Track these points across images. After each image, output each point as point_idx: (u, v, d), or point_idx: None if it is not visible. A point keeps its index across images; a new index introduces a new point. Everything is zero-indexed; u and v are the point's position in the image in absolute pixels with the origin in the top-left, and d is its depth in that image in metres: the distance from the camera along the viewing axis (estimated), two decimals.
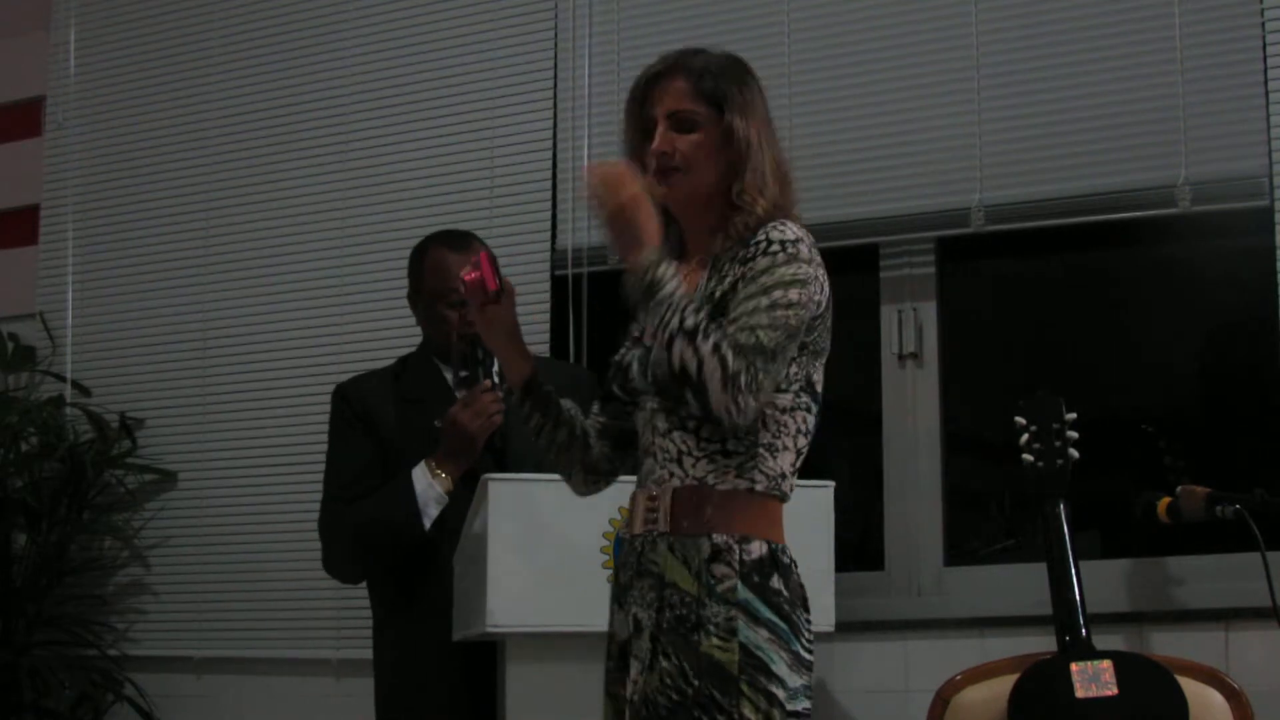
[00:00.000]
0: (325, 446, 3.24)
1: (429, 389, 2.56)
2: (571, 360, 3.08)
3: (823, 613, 2.33)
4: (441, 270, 2.57)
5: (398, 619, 2.56)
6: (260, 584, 3.35)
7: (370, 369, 2.78)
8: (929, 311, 2.97)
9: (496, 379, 2.46)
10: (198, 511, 3.44)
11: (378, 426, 2.57)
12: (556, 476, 2.16)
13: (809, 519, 2.36)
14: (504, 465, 2.52)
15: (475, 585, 2.33)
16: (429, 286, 2.60)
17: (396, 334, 3.23)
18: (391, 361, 2.72)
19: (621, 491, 2.29)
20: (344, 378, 3.25)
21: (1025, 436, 2.59)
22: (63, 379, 3.58)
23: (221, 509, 3.42)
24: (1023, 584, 2.73)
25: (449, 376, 2.56)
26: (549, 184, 3.19)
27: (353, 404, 2.62)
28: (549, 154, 3.20)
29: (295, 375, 3.37)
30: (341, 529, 2.57)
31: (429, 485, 2.47)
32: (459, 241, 2.62)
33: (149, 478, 3.47)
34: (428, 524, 2.48)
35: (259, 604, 3.35)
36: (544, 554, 2.30)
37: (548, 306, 3.14)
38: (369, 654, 3.16)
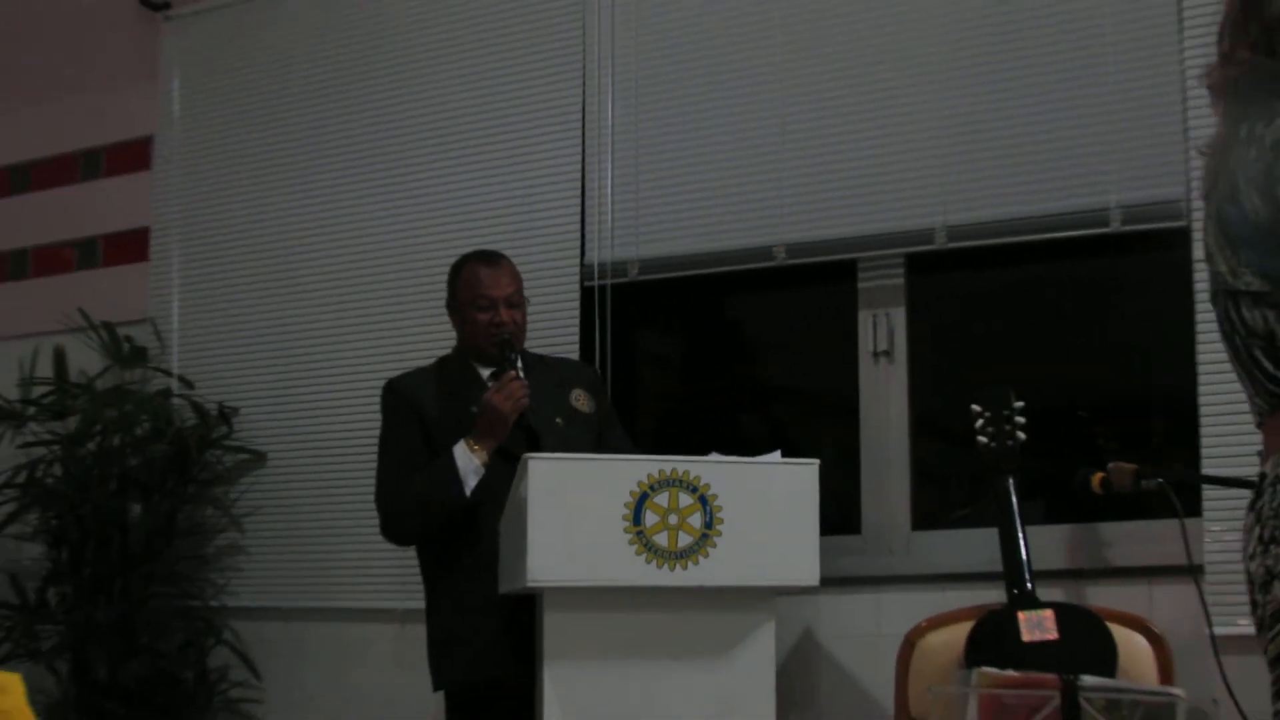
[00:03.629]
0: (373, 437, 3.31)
1: (465, 383, 2.60)
2: (598, 360, 3.10)
3: (809, 570, 2.37)
4: (473, 282, 2.65)
5: (447, 575, 2.59)
6: (335, 545, 3.36)
7: (418, 367, 2.83)
8: (899, 316, 2.97)
9: (520, 372, 2.53)
10: (283, 485, 3.46)
11: (423, 414, 2.62)
12: (586, 455, 2.19)
13: (797, 491, 2.39)
14: (535, 443, 2.55)
15: (518, 547, 2.35)
16: (463, 296, 2.66)
17: (445, 335, 3.28)
18: (432, 361, 2.77)
19: (637, 469, 2.34)
20: (402, 373, 3.33)
21: (980, 422, 2.60)
22: (170, 374, 3.60)
23: (303, 483, 3.43)
24: (978, 546, 2.73)
25: (481, 372, 2.62)
26: (578, 207, 3.19)
27: (401, 396, 2.66)
28: (578, 181, 3.20)
29: (362, 369, 3.37)
30: (398, 500, 2.61)
31: (468, 459, 2.52)
32: (490, 258, 2.69)
33: (243, 457, 3.49)
34: (468, 491, 2.53)
35: (334, 562, 3.36)
36: (576, 520, 2.32)
37: (577, 314, 3.15)
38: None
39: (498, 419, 2.51)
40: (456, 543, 2.56)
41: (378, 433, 3.32)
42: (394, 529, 2.64)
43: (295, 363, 3.49)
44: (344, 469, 3.38)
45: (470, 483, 2.52)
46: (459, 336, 2.71)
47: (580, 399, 2.67)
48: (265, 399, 3.51)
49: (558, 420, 2.61)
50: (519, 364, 2.56)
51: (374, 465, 3.31)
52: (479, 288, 2.63)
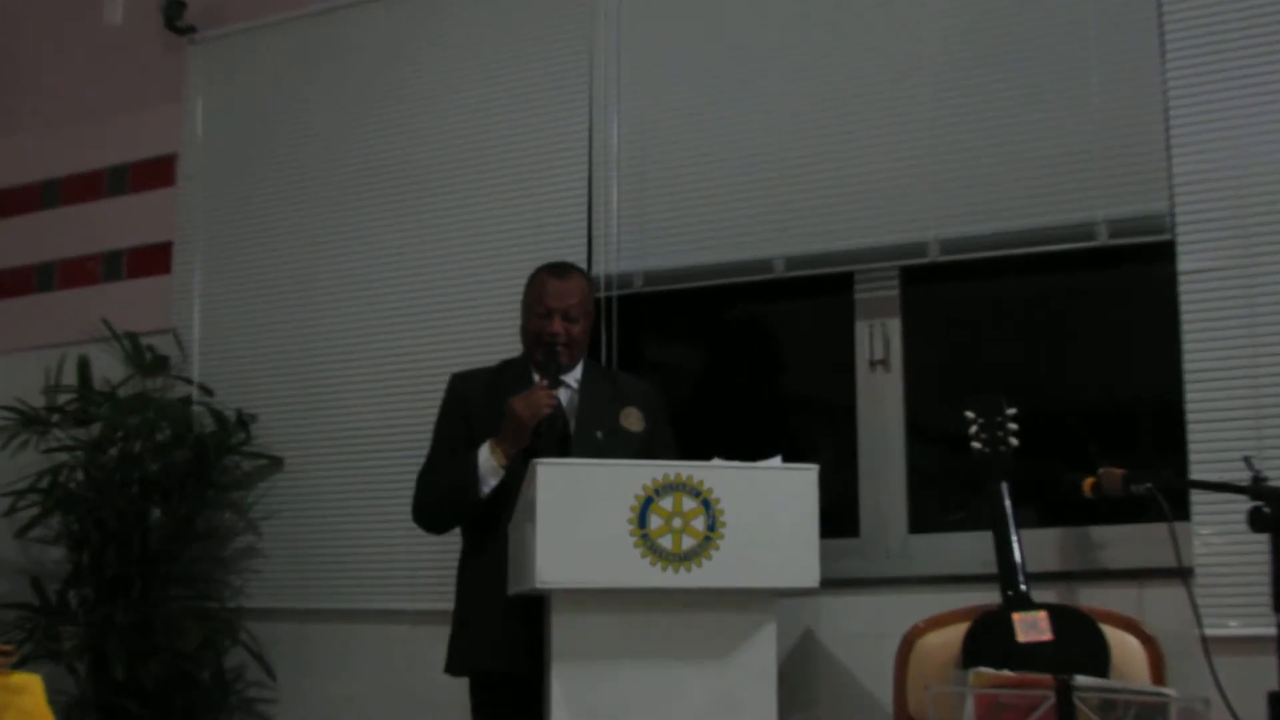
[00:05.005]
0: (402, 436, 3.30)
1: (517, 385, 2.59)
2: (604, 363, 3.08)
3: (809, 572, 2.34)
4: (538, 289, 2.66)
5: (471, 567, 2.61)
6: (349, 548, 3.34)
7: (442, 375, 2.82)
8: (895, 326, 2.97)
9: (554, 381, 2.53)
10: (300, 490, 3.44)
11: (470, 410, 2.62)
12: (594, 461, 2.15)
13: (797, 496, 2.37)
14: (567, 449, 2.54)
15: (527, 549, 2.33)
16: (527, 300, 2.68)
17: (455, 347, 3.25)
18: (494, 363, 2.77)
19: (642, 474, 2.31)
20: (412, 383, 3.30)
21: (974, 428, 2.59)
22: (190, 382, 3.58)
23: (319, 488, 3.42)
24: (973, 549, 2.72)
25: (535, 377, 2.61)
26: (585, 221, 3.18)
27: (454, 390, 2.69)
28: (585, 197, 3.19)
29: (377, 380, 3.37)
30: (424, 489, 2.64)
31: (488, 460, 2.52)
32: (560, 270, 2.69)
33: (261, 463, 3.47)
34: (485, 491, 2.51)
35: (348, 565, 3.34)
36: (582, 524, 2.30)
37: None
38: (439, 605, 3.18)
39: (517, 425, 2.50)
40: (480, 537, 2.56)
41: (396, 438, 3.30)
42: (418, 516, 2.67)
43: (312, 371, 3.48)
44: (358, 474, 3.37)
45: (489, 483, 2.52)
46: (521, 339, 2.71)
47: (631, 417, 2.65)
48: (283, 406, 3.50)
49: (597, 433, 2.59)
50: (556, 374, 2.57)
51: (389, 471, 3.31)
52: (541, 295, 2.64)
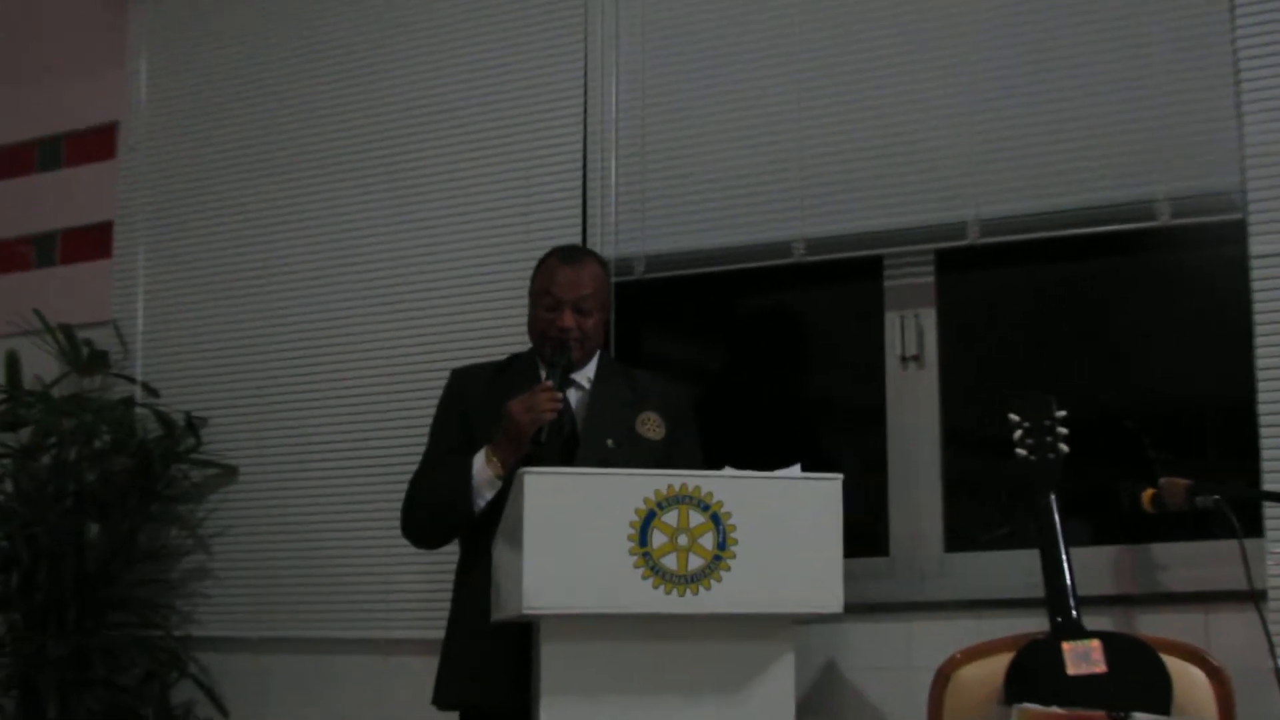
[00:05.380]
0: (372, 442, 3.30)
1: (523, 382, 2.58)
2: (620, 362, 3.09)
3: (832, 596, 2.33)
4: (547, 277, 2.64)
5: (460, 589, 2.61)
6: (313, 569, 3.34)
7: (431, 371, 2.83)
8: (929, 317, 2.96)
9: (561, 381, 2.52)
10: (257, 503, 3.44)
11: (468, 409, 2.62)
12: (589, 470, 2.14)
13: (818, 509, 2.36)
14: (572, 458, 2.54)
15: (512, 570, 2.32)
16: (535, 288, 2.67)
17: (442, 341, 3.25)
18: (500, 358, 2.77)
19: (643, 485, 2.31)
20: (393, 378, 3.30)
21: (1019, 433, 2.58)
22: (133, 381, 3.58)
23: (278, 501, 3.41)
24: (1017, 569, 2.72)
25: (542, 374, 2.59)
26: (578, 198, 3.18)
27: (453, 386, 2.68)
28: (579, 170, 3.19)
29: (345, 378, 3.37)
30: (412, 498, 2.63)
31: (483, 469, 2.51)
32: (572, 255, 2.68)
33: (212, 472, 3.47)
34: (479, 504, 2.50)
35: (311, 588, 3.34)
36: (575, 541, 2.28)
37: None
38: (413, 633, 3.19)
39: (515, 430, 2.49)
40: (474, 555, 2.56)
41: (365, 445, 3.28)
42: (405, 527, 2.66)
43: (271, 370, 3.47)
44: (324, 486, 3.37)
45: (484, 495, 2.51)
46: (527, 331, 2.71)
47: (649, 423, 2.63)
48: (238, 409, 3.50)
49: (608, 441, 2.58)
50: (564, 373, 2.56)
51: (357, 481, 3.30)
52: (550, 284, 2.62)
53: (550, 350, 2.59)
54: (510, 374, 2.66)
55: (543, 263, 2.69)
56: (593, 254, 2.75)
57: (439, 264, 3.31)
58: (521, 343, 2.79)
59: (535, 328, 2.65)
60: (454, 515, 2.53)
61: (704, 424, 2.77)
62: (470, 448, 2.55)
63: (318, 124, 3.50)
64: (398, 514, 2.69)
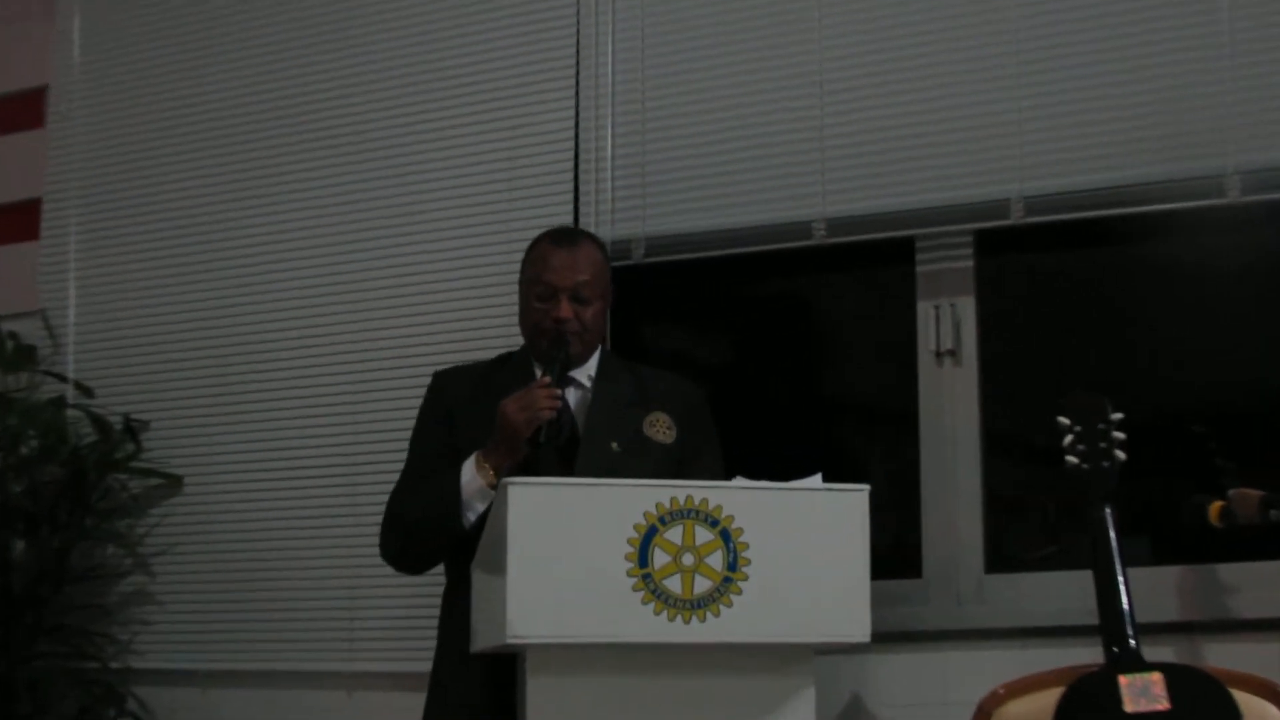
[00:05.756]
0: (338, 450, 3.30)
1: (516, 384, 2.57)
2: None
3: (858, 623, 2.33)
4: (539, 263, 2.63)
5: (449, 614, 2.59)
6: (270, 594, 3.34)
7: (400, 369, 2.82)
8: (967, 307, 2.96)
9: (560, 378, 2.52)
10: (205, 518, 3.44)
11: (454, 415, 2.62)
12: (581, 480, 2.13)
13: (842, 524, 2.35)
14: (569, 467, 2.53)
15: (494, 594, 2.32)
16: (525, 279, 2.66)
17: (422, 332, 3.26)
18: (490, 357, 2.76)
19: (643, 497, 2.30)
20: (361, 378, 3.31)
21: (1069, 437, 2.57)
22: (64, 379, 3.58)
23: (230, 515, 3.41)
24: (1067, 592, 2.72)
25: (538, 373, 2.59)
26: (571, 174, 3.18)
27: (436, 390, 2.68)
28: (570, 141, 3.19)
29: (309, 375, 3.37)
30: (392, 515, 2.62)
31: (473, 478, 2.50)
32: (565, 238, 2.67)
33: (154, 482, 3.47)
34: (471, 519, 2.49)
35: (268, 615, 3.34)
36: (565, 561, 2.28)
37: None
38: (382, 666, 3.19)
39: (509, 432, 2.48)
40: (462, 580, 2.54)
41: (332, 452, 3.28)
42: (385, 550, 2.65)
43: (222, 367, 3.48)
44: (282, 500, 3.37)
45: (475, 509, 2.50)
46: (519, 326, 2.71)
47: (658, 424, 2.62)
48: (183, 412, 3.50)
49: (613, 444, 2.58)
50: (563, 369, 2.56)
51: (321, 494, 3.30)
52: (543, 270, 2.61)
53: (546, 345, 2.59)
54: (502, 375, 2.66)
55: (533, 247, 2.69)
56: (589, 235, 2.76)
57: (413, 248, 3.32)
58: (508, 338, 2.79)
59: (528, 320, 2.64)
60: (442, 533, 2.52)
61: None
62: (458, 459, 2.55)
63: (276, 90, 3.50)
64: (366, 531, 2.69)
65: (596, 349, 2.67)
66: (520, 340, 2.71)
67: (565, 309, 2.58)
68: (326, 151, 3.43)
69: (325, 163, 3.43)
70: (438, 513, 2.51)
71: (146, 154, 3.62)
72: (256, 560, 3.37)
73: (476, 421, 2.55)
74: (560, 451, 2.54)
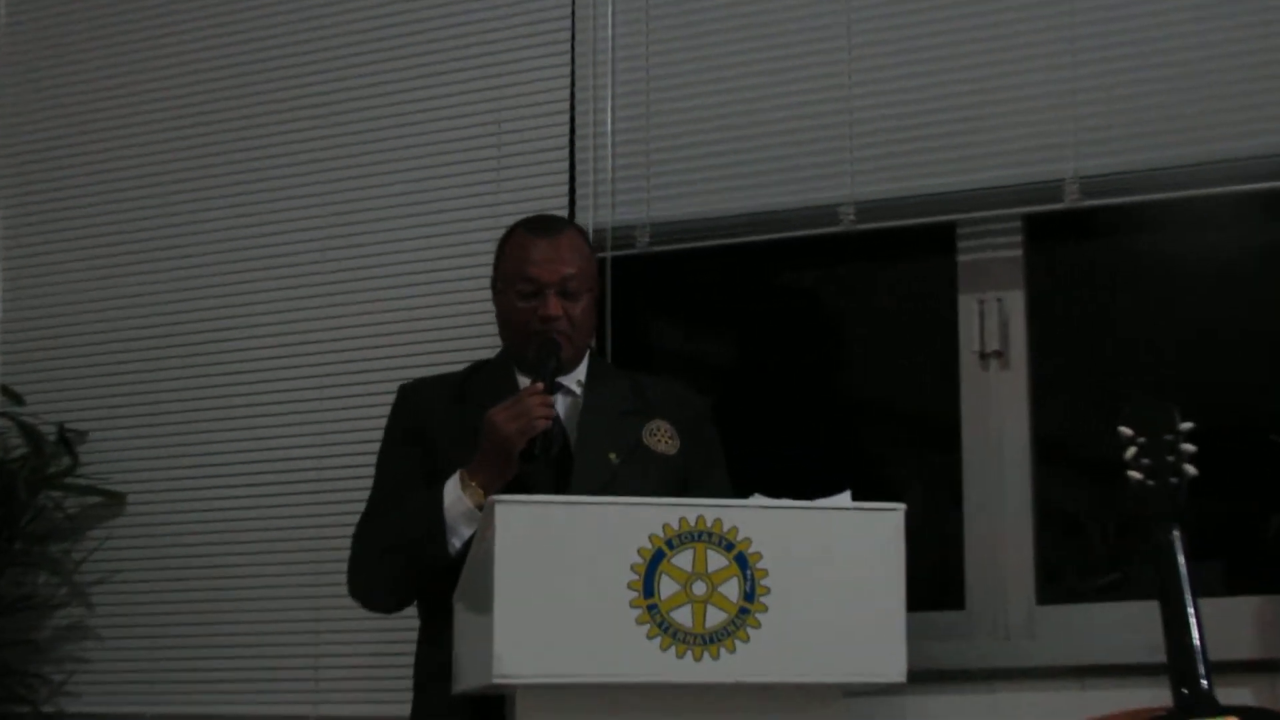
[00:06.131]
0: (302, 465, 3.29)
1: (497, 395, 2.57)
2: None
3: (892, 660, 2.31)
4: (519, 258, 2.63)
5: (432, 646, 2.58)
6: (225, 629, 3.35)
7: (369, 370, 2.82)
8: (1016, 301, 2.97)
9: (551, 384, 2.52)
10: (151, 541, 3.44)
11: (429, 433, 2.62)
12: (578, 499, 2.12)
13: (874, 548, 2.34)
14: (563, 483, 2.53)
15: (479, 627, 2.31)
16: (505, 274, 2.66)
17: (397, 331, 3.28)
18: (462, 366, 2.77)
19: (648, 517, 2.29)
20: (328, 384, 3.32)
21: (1132, 450, 2.56)
22: None
23: (180, 539, 3.41)
24: (1130, 625, 2.72)
25: (522, 382, 2.59)
26: (565, 150, 3.19)
27: (406, 406, 2.68)
28: (565, 116, 3.20)
29: (269, 380, 3.38)
30: (363, 547, 2.62)
31: (458, 499, 2.49)
32: (546, 226, 2.67)
33: (92, 501, 3.47)
34: (456, 544, 2.49)
35: (223, 652, 3.35)
36: (561, 590, 2.27)
37: None
38: (351, 710, 3.20)
39: (500, 447, 2.48)
40: (439, 617, 2.53)
41: (295, 467, 3.27)
42: (354, 586, 2.65)
43: (169, 370, 3.49)
44: (236, 522, 3.38)
45: (461, 532, 2.50)
46: (499, 328, 2.71)
47: (659, 433, 2.63)
48: (125, 421, 3.51)
49: (611, 456, 2.58)
50: (554, 375, 2.56)
51: (283, 515, 3.31)
52: (524, 265, 2.61)
53: (535, 350, 2.59)
54: (478, 385, 2.66)
55: (508, 240, 2.69)
56: (571, 223, 2.76)
57: (385, 234, 3.32)
58: (487, 343, 2.79)
59: (511, 323, 2.65)
60: (422, 562, 2.51)
61: (727, 438, 2.76)
62: (437, 478, 2.54)
63: (232, 55, 3.51)
64: (333, 557, 2.70)
65: (587, 351, 2.69)
66: (492, 348, 2.72)
67: (554, 306, 2.59)
68: (283, 127, 3.44)
69: (282, 140, 3.43)
70: (418, 539, 2.51)
71: (80, 128, 3.63)
72: (210, 590, 3.37)
73: (456, 438, 2.55)
74: (553, 465, 2.54)
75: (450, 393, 2.67)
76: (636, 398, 2.67)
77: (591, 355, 2.71)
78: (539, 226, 2.68)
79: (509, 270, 2.64)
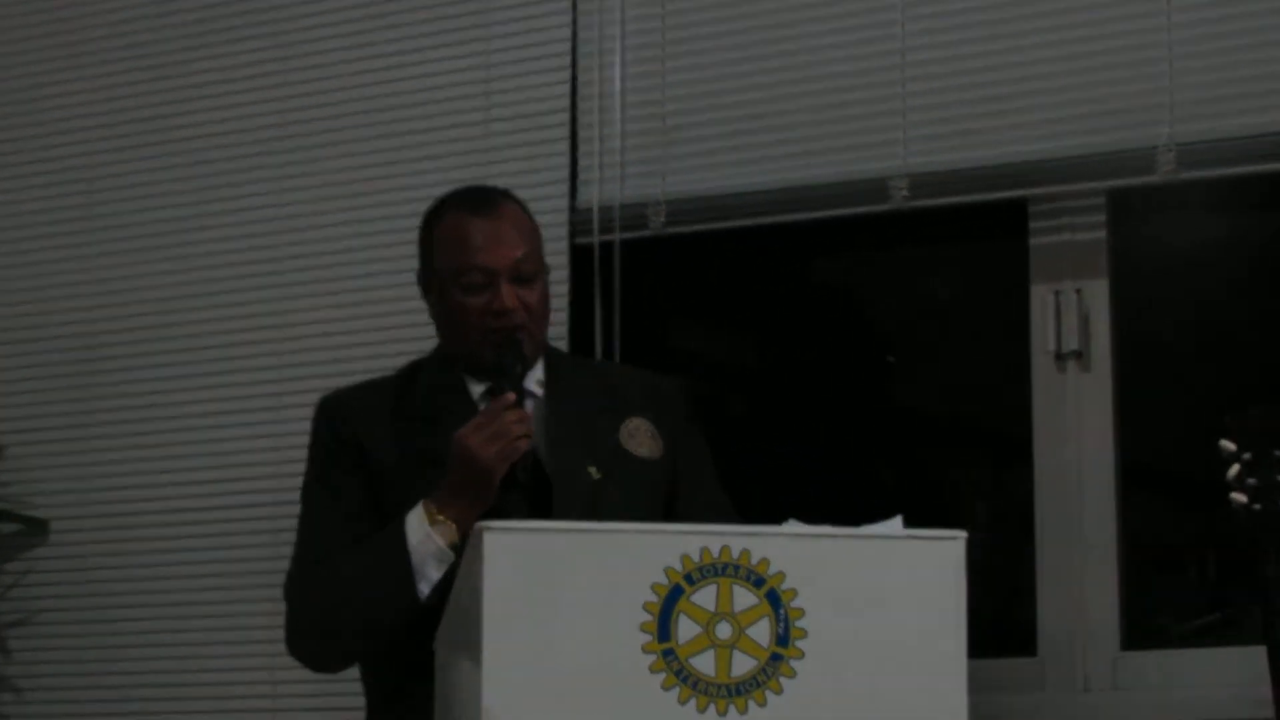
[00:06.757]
0: (253, 483, 3.30)
1: (444, 405, 2.58)
2: (600, 354, 3.11)
3: (951, 715, 2.31)
4: (458, 244, 2.59)
5: (388, 710, 2.58)
6: (167, 677, 3.37)
7: (337, 377, 2.84)
8: (1098, 292, 2.98)
9: (524, 390, 2.51)
10: (76, 575, 3.46)
11: (369, 456, 2.59)
12: (581, 525, 2.15)
13: (930, 584, 2.34)
14: (543, 508, 2.53)
15: (465, 676, 2.32)
16: (442, 266, 2.62)
17: (364, 328, 3.30)
18: (389, 372, 2.73)
19: (663, 547, 2.31)
20: (282, 388, 3.32)
21: (1236, 468, 2.57)
22: None
23: (111, 571, 3.44)
24: (1232, 674, 2.73)
25: (473, 389, 2.59)
26: (567, 121, 3.21)
27: (335, 424, 2.63)
28: (567, 81, 3.22)
29: (215, 386, 3.41)
30: (307, 598, 2.58)
31: (426, 537, 2.47)
32: (484, 201, 2.64)
33: (10, 529, 3.49)
34: (425, 590, 2.48)
35: (166, 705, 3.37)
36: (561, 632, 2.27)
37: (566, 284, 3.15)
38: None
39: (475, 473, 2.46)
40: (409, 664, 2.52)
41: (238, 487, 3.29)
42: (298, 647, 2.61)
43: (98, 380, 3.51)
44: (177, 549, 3.39)
45: (430, 575, 2.48)
46: (438, 330, 2.68)
47: (639, 433, 2.62)
48: (47, 437, 3.53)
49: (590, 469, 2.57)
50: (520, 379, 2.54)
51: (226, 542, 3.31)
52: (467, 253, 2.57)
53: (492, 350, 2.57)
54: (419, 393, 2.64)
55: (437, 224, 2.63)
56: (509, 195, 2.69)
57: (355, 214, 3.34)
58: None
59: (458, 323, 2.60)
60: (390, 611, 2.49)
61: (753, 454, 2.78)
62: (381, 509, 2.53)
63: (175, 8, 3.53)
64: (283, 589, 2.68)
65: (542, 344, 2.65)
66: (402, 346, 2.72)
67: (509, 297, 2.55)
68: (241, 92, 3.46)
69: (239, 108, 3.46)
70: (382, 585, 2.48)
71: (13, 85, 3.66)
72: (146, 631, 3.40)
73: (403, 462, 2.54)
74: (526, 487, 2.53)
75: (386, 405, 2.63)
76: (605, 393, 2.64)
77: (545, 346, 2.67)
78: (475, 203, 2.62)
79: (448, 262, 2.59)
